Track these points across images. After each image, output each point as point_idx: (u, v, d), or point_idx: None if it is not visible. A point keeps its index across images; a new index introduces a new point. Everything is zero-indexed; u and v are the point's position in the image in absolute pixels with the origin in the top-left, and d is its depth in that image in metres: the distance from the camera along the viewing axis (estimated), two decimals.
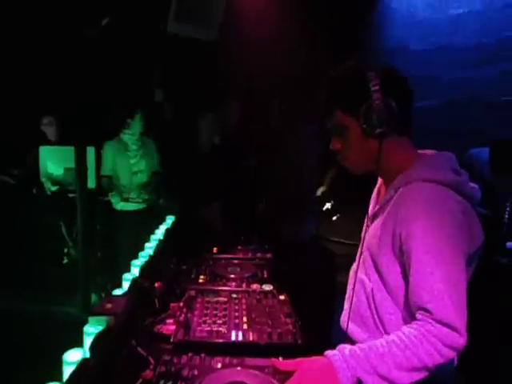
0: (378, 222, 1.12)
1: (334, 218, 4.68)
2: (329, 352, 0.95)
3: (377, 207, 1.15)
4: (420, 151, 1.15)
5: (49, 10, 3.44)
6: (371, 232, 1.13)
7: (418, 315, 0.95)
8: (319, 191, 3.94)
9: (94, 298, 3.06)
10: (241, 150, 3.40)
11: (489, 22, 3.18)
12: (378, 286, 1.08)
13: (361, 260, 1.17)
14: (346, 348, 0.95)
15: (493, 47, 3.16)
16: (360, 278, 1.15)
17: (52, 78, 3.72)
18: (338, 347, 0.96)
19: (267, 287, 1.58)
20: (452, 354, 0.91)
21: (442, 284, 0.92)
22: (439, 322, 0.91)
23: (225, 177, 3.12)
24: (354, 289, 1.18)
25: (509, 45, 3.09)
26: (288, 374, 0.94)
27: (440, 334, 0.90)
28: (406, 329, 0.95)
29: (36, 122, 3.83)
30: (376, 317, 1.09)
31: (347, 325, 1.18)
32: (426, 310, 0.93)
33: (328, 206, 4.56)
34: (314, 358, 0.96)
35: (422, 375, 0.91)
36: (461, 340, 0.90)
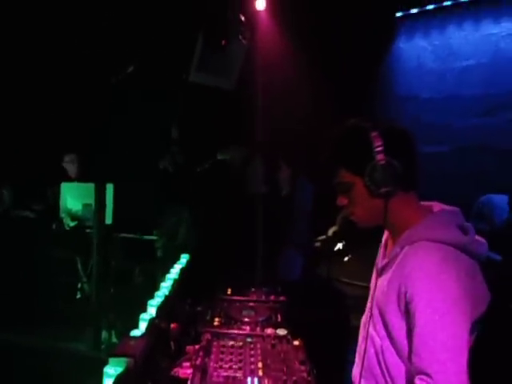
0: (385, 277, 1.12)
1: (346, 258, 4.66)
2: None
3: (384, 262, 1.16)
4: (426, 203, 1.16)
5: (79, 54, 3.67)
6: (379, 287, 1.13)
7: (418, 380, 0.95)
8: (330, 231, 3.96)
9: (104, 334, 3.06)
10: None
11: (495, 74, 3.31)
12: (387, 342, 1.08)
13: (370, 314, 1.17)
14: None
15: (500, 97, 3.27)
16: (370, 333, 1.13)
17: (75, 119, 3.91)
18: None
19: (281, 332, 1.59)
20: None
21: (445, 349, 0.92)
22: None
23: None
24: (363, 343, 1.18)
25: None
26: None
27: None
28: None
29: (58, 160, 3.99)
30: (386, 374, 1.08)
31: (359, 381, 1.15)
32: (427, 375, 0.93)
33: (339, 246, 4.55)
34: None
35: None
36: None
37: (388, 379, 1.07)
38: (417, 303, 0.97)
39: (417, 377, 0.96)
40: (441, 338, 0.93)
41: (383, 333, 1.09)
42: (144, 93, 3.79)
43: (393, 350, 1.06)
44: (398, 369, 1.05)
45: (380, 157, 1.05)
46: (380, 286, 1.12)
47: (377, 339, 1.11)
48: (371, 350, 1.12)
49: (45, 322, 3.02)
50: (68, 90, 4.02)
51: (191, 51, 2.85)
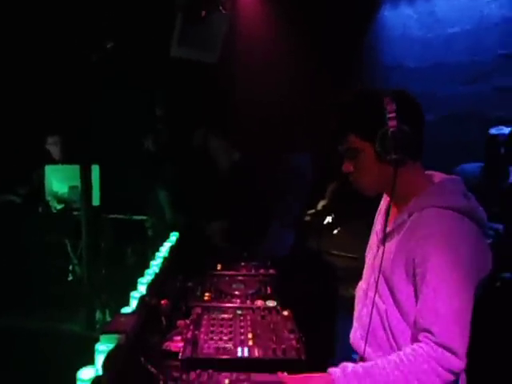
0: (390, 244, 1.13)
1: (335, 231, 4.72)
2: (332, 369, 1.00)
3: (388, 229, 1.16)
4: (428, 172, 1.17)
5: (56, 33, 3.55)
6: (384, 254, 1.13)
7: (421, 337, 0.98)
8: (320, 205, 4.00)
9: (98, 315, 3.08)
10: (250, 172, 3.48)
11: (480, 41, 3.29)
12: (392, 307, 1.09)
13: (371, 280, 1.18)
14: (348, 366, 0.99)
15: (484, 64, 3.26)
16: (373, 299, 1.14)
17: (57, 99, 3.81)
18: (340, 365, 1.01)
19: (271, 303, 1.62)
20: (450, 377, 0.94)
21: (450, 309, 0.95)
22: (441, 345, 0.94)
23: (233, 195, 3.18)
24: (364, 308, 1.20)
25: (500, 62, 3.19)
26: None
27: (440, 358, 0.93)
28: (407, 350, 0.99)
29: (41, 142, 3.90)
30: (391, 338, 1.10)
31: (364, 346, 1.16)
32: (430, 332, 0.96)
33: (329, 219, 4.60)
34: (317, 374, 1.01)
35: None
36: (460, 364, 0.94)
37: (393, 343, 1.09)
38: (426, 267, 0.99)
39: (420, 334, 0.98)
40: (446, 301, 0.96)
41: (388, 298, 1.10)
42: (126, 70, 3.69)
43: (398, 314, 1.08)
44: (403, 333, 1.07)
45: (392, 122, 1.04)
46: (385, 252, 1.13)
47: (381, 304, 1.12)
48: (375, 316, 1.13)
49: (38, 305, 3.03)
50: (48, 70, 3.90)
51: (171, 25, 2.76)
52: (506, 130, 2.50)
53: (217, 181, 3.18)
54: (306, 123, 2.88)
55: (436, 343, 0.95)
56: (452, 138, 3.14)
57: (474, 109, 3.27)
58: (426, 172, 1.17)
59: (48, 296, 3.13)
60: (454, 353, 0.93)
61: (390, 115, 1.04)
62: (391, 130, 1.04)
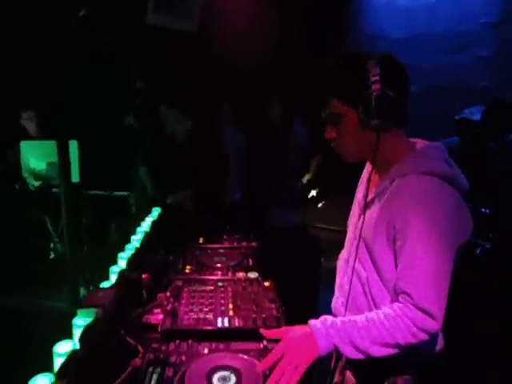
0: (372, 211, 1.12)
1: (320, 205, 4.75)
2: (312, 321, 1.02)
3: (370, 196, 1.15)
4: (411, 140, 1.15)
5: (26, 3, 3.36)
6: (366, 221, 1.13)
7: (400, 298, 1.00)
8: (305, 179, 3.99)
9: (82, 291, 3.06)
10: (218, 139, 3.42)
11: (464, 10, 3.24)
12: (373, 274, 1.10)
13: (352, 248, 1.18)
14: (327, 319, 1.01)
15: (469, 34, 3.23)
16: (353, 266, 1.14)
17: (31, 72, 3.65)
18: (321, 318, 1.02)
19: (252, 275, 1.62)
20: (425, 336, 0.96)
21: (428, 273, 0.96)
22: (418, 307, 0.95)
23: (198, 164, 3.15)
24: (345, 276, 1.21)
25: (484, 31, 3.16)
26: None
27: (415, 318, 0.95)
28: (386, 309, 1.01)
29: (15, 117, 3.76)
30: (372, 304, 1.11)
31: (344, 313, 1.17)
32: (408, 295, 0.97)
33: (313, 193, 4.62)
34: (298, 326, 1.03)
35: (394, 351, 0.98)
36: (435, 326, 0.95)
37: (373, 308, 1.10)
38: (406, 232, 1.00)
39: (399, 295, 1.00)
40: (425, 264, 0.97)
41: (369, 265, 1.11)
42: (102, 41, 3.54)
43: (379, 281, 1.09)
44: (384, 299, 1.09)
45: (376, 86, 1.01)
46: (367, 219, 1.13)
47: (362, 272, 1.13)
48: (356, 283, 1.14)
49: (20, 284, 2.99)
50: (21, 42, 3.72)
51: None
52: (477, 116, 2.50)
53: (177, 151, 3.16)
54: (288, 92, 2.81)
55: (414, 305, 0.96)
56: (436, 109, 3.13)
57: (458, 79, 3.26)
58: (410, 139, 1.16)
59: (30, 274, 3.10)
60: (430, 315, 0.95)
61: (374, 79, 1.01)
62: (375, 94, 1.01)
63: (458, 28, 3.28)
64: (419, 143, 1.15)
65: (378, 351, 0.97)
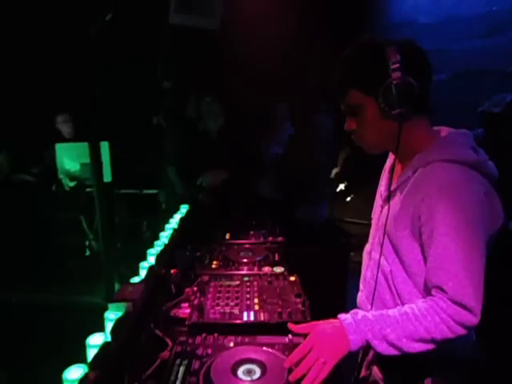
0: (394, 202, 1.09)
1: (348, 198, 4.69)
2: (342, 315, 1.00)
3: (392, 187, 1.12)
4: (435, 128, 1.12)
5: (56, 10, 3.50)
6: (388, 213, 1.09)
7: (434, 292, 0.97)
8: (333, 173, 3.95)
9: (117, 287, 3.18)
10: (250, 136, 3.42)
11: None
12: (397, 267, 1.07)
13: (375, 241, 1.16)
14: (358, 313, 0.99)
15: (502, 15, 3.06)
16: (377, 259, 1.12)
17: (63, 77, 3.80)
18: (351, 312, 1.01)
19: (278, 269, 1.63)
20: (462, 331, 0.93)
21: (461, 265, 0.93)
22: (454, 302, 0.92)
23: (233, 161, 3.17)
24: (368, 270, 1.19)
25: None
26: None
27: (452, 312, 0.92)
28: (419, 302, 0.97)
29: (51, 121, 3.93)
30: (397, 298, 1.08)
31: (369, 308, 1.16)
32: (442, 290, 0.94)
33: (342, 187, 4.57)
34: (327, 320, 1.01)
35: (430, 346, 0.95)
36: (474, 319, 0.92)
37: (398, 302, 1.08)
38: (433, 225, 0.96)
39: (433, 290, 0.97)
40: (457, 256, 0.94)
41: (393, 258, 1.08)
42: (129, 44, 3.63)
43: (404, 274, 1.06)
44: (409, 293, 1.06)
45: (396, 74, 0.98)
46: (390, 211, 1.10)
47: (386, 265, 1.10)
48: (380, 276, 1.12)
49: (58, 281, 3.14)
50: (53, 49, 3.88)
51: None
52: (497, 108, 2.36)
53: (208, 147, 3.18)
54: (312, 87, 2.78)
55: (449, 299, 0.93)
56: (467, 97, 3.00)
57: (491, 64, 3.11)
58: (435, 128, 1.12)
59: (67, 271, 3.24)
60: (467, 309, 0.92)
61: (394, 66, 0.97)
62: (395, 82, 0.98)
63: (489, 9, 3.12)
64: (444, 131, 1.10)
65: (413, 346, 0.94)
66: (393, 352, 0.95)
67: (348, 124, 1.11)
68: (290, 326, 1.04)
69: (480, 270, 0.95)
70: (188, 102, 3.32)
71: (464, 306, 0.92)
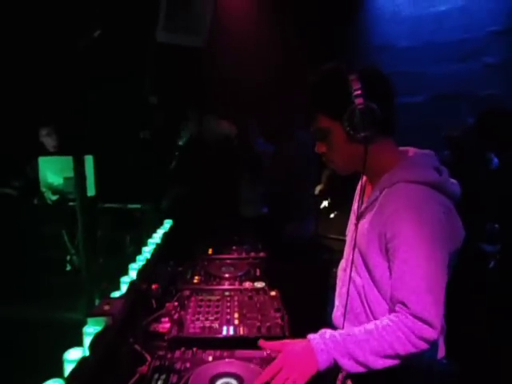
0: (365, 221, 1.14)
1: (332, 215, 4.73)
2: (311, 335, 1.02)
3: (363, 206, 1.17)
4: (402, 148, 1.17)
5: (43, 24, 3.53)
6: (359, 231, 1.15)
7: (397, 307, 1.00)
8: (317, 189, 3.99)
9: (98, 302, 3.12)
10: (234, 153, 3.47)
11: (471, 18, 3.25)
12: (369, 282, 1.11)
13: (349, 258, 1.20)
14: (326, 332, 1.02)
15: (476, 42, 3.23)
16: (351, 275, 1.16)
17: (48, 90, 3.80)
18: (320, 331, 1.03)
19: (259, 284, 1.65)
20: (424, 345, 0.96)
21: (422, 280, 0.97)
22: (415, 316, 0.96)
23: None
24: (343, 286, 1.21)
25: (491, 39, 3.15)
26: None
27: (414, 327, 0.95)
28: (384, 319, 1.01)
29: (34, 134, 3.91)
30: (369, 312, 1.12)
31: (343, 322, 1.19)
32: (404, 304, 0.98)
33: (325, 203, 4.61)
34: (297, 340, 1.04)
35: (395, 362, 0.98)
36: (433, 334, 0.95)
37: (371, 318, 1.11)
38: (397, 241, 1.01)
39: (396, 305, 1.01)
40: (418, 272, 0.97)
41: (365, 274, 1.12)
42: (115, 59, 3.67)
43: (375, 290, 1.10)
44: (381, 308, 1.09)
45: (359, 100, 1.04)
46: (360, 229, 1.15)
47: (358, 280, 1.14)
48: (353, 292, 1.15)
49: (37, 296, 3.07)
50: (39, 62, 3.88)
51: (157, 11, 2.73)
52: (456, 132, 2.56)
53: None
54: (295, 105, 2.86)
55: (410, 314, 0.97)
56: (443, 118, 3.12)
57: (465, 88, 3.25)
58: (401, 148, 1.17)
59: (47, 286, 3.17)
60: (428, 323, 0.95)
61: (356, 93, 1.04)
62: (358, 107, 1.04)
63: (465, 36, 3.29)
64: (410, 151, 1.16)
65: (379, 363, 0.97)
66: (360, 369, 0.98)
67: (318, 147, 1.17)
68: (261, 342, 1.05)
69: (441, 285, 0.99)
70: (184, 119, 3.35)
71: (425, 321, 0.95)
